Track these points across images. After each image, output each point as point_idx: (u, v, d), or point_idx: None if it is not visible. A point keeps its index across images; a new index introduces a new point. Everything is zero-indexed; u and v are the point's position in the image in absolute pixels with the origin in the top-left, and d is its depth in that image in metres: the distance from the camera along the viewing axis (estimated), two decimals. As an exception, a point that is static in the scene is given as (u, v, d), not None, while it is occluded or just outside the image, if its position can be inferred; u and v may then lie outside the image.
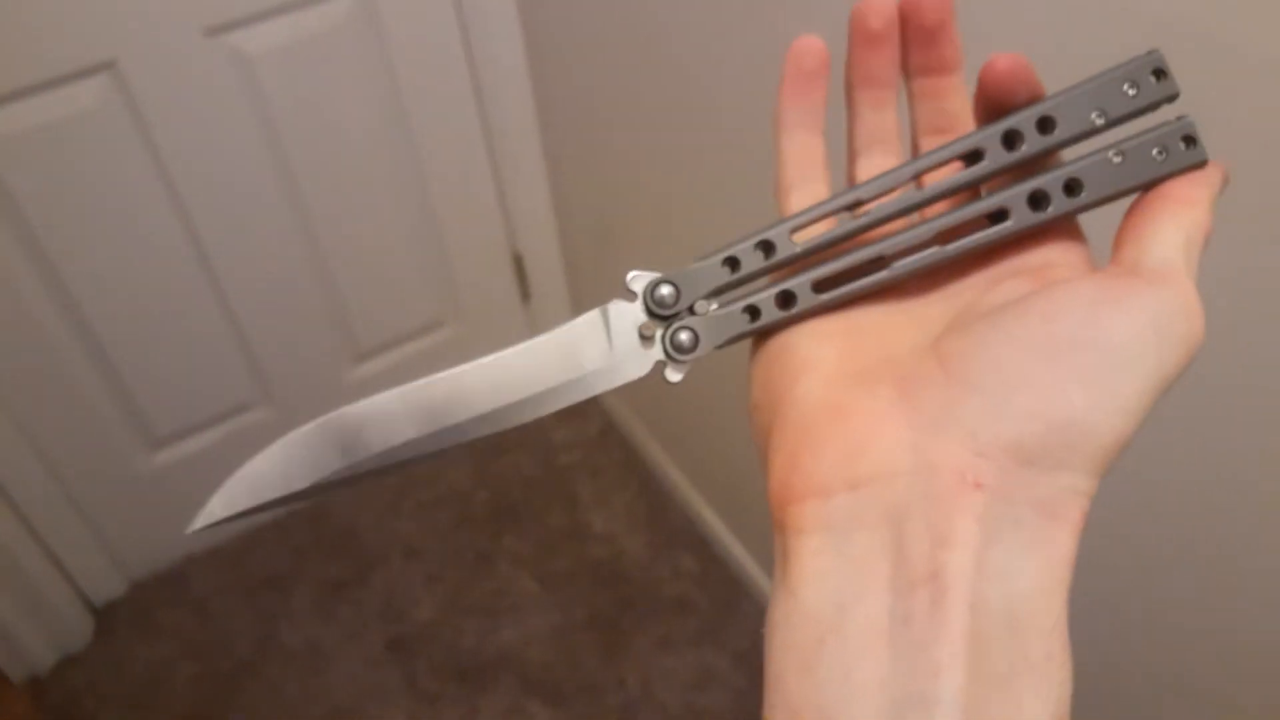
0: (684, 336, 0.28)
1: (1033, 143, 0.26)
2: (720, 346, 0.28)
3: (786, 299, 0.27)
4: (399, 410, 0.27)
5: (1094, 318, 0.23)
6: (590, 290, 1.56)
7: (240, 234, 1.30)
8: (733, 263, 0.28)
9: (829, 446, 0.24)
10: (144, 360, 1.33)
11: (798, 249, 0.27)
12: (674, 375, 0.28)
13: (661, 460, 1.55)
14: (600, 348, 0.28)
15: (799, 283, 0.27)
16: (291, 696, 1.38)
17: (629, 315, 0.28)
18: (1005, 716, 0.20)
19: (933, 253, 0.26)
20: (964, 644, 0.20)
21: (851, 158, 0.30)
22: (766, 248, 0.27)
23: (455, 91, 1.34)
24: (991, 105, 0.27)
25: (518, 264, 1.56)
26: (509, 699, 1.35)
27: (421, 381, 0.27)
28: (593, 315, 0.28)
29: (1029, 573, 0.21)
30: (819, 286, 0.27)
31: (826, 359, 0.26)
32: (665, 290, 0.28)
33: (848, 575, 0.22)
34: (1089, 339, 0.22)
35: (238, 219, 1.29)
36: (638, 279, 0.28)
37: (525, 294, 1.59)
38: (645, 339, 0.28)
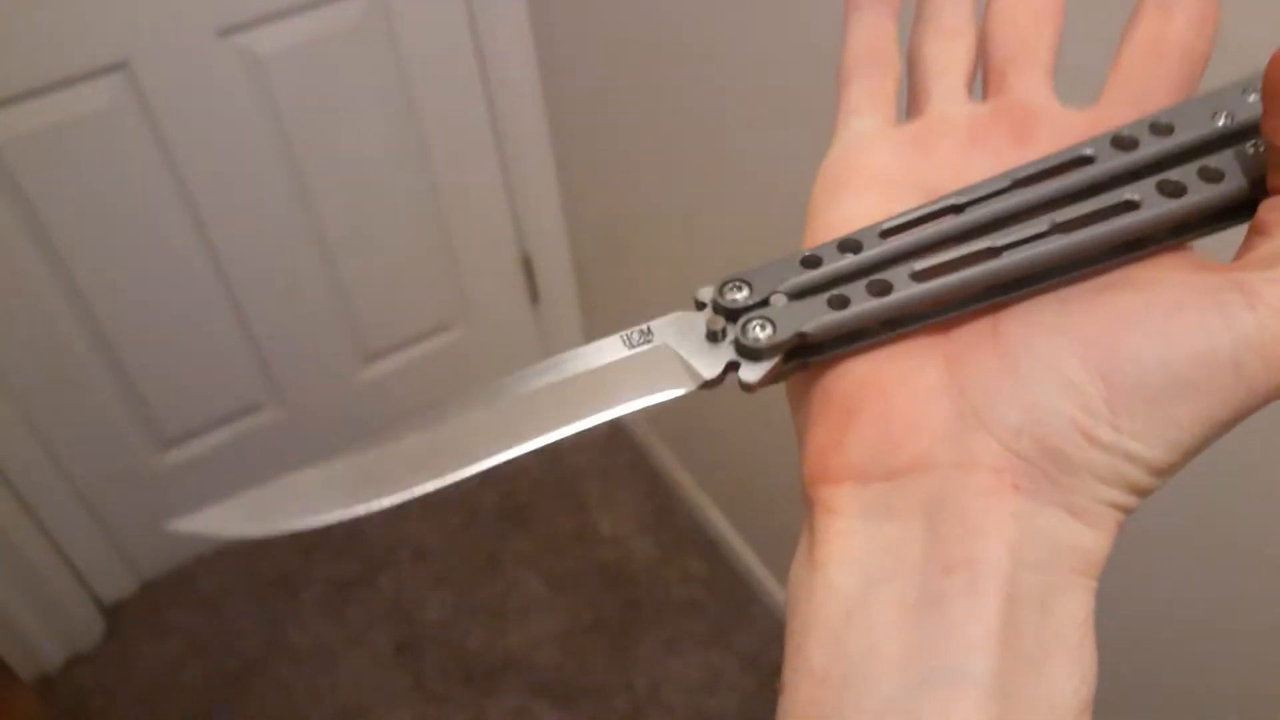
0: (757, 327, 0.24)
1: (1148, 146, 0.23)
2: (801, 348, 0.24)
3: (881, 287, 0.23)
4: (460, 433, 0.26)
5: (1160, 328, 0.21)
6: (600, 293, 1.56)
7: (251, 234, 1.30)
8: (810, 261, 0.24)
9: (870, 429, 0.23)
10: (155, 360, 1.34)
11: (888, 248, 0.24)
12: (750, 374, 0.25)
13: (670, 462, 1.55)
14: (665, 356, 0.26)
15: (895, 272, 0.23)
16: (299, 697, 1.39)
17: (696, 321, 0.26)
18: (1035, 693, 0.20)
19: (1054, 240, 0.22)
20: (997, 626, 0.20)
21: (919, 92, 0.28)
22: (848, 246, 0.24)
23: (466, 93, 1.34)
24: None
25: (527, 266, 1.56)
26: (517, 700, 1.35)
27: (475, 405, 0.25)
28: (659, 322, 0.26)
29: (1063, 568, 0.21)
30: (919, 278, 0.23)
31: None
32: (737, 290, 0.25)
33: (878, 559, 0.22)
34: (1134, 356, 0.21)
35: (248, 219, 1.29)
36: (706, 290, 0.26)
37: (534, 296, 1.59)
38: (712, 336, 0.25)
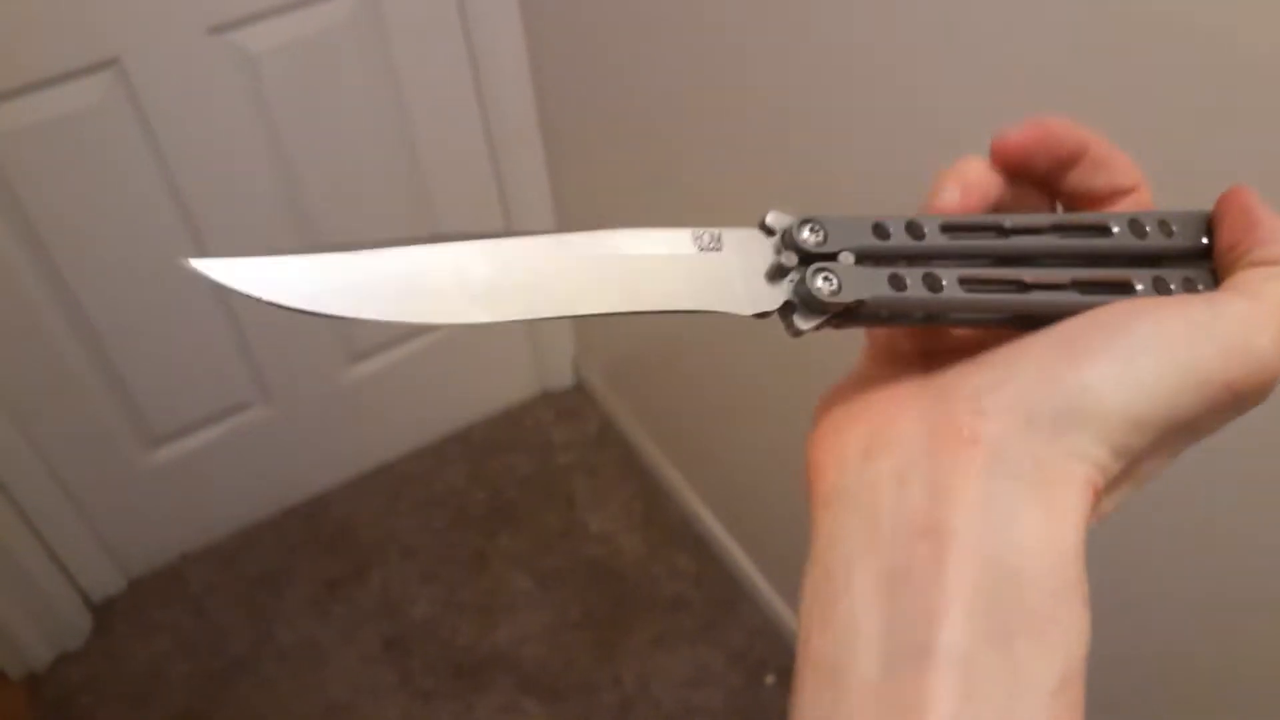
0: (824, 280, 0.25)
1: (1153, 238, 0.27)
2: (853, 311, 0.25)
3: (933, 282, 0.25)
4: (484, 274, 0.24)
5: (1131, 315, 0.23)
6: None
7: (241, 232, 1.30)
8: (879, 231, 0.26)
9: (853, 424, 0.25)
10: (143, 358, 1.34)
11: (946, 243, 0.26)
12: (805, 323, 0.25)
13: (659, 460, 1.55)
14: (730, 270, 0.25)
15: (946, 271, 0.26)
16: (287, 694, 1.39)
17: (764, 246, 0.26)
18: (1002, 674, 0.20)
19: (1068, 297, 0.26)
20: (964, 594, 0.21)
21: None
22: (914, 230, 0.26)
23: (457, 90, 1.35)
24: (1012, 172, 0.28)
25: (516, 264, 1.56)
26: (505, 697, 1.36)
27: (546, 248, 0.24)
28: (730, 234, 0.26)
29: (1028, 526, 0.21)
30: (966, 286, 0.26)
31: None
32: (810, 234, 0.25)
33: (855, 533, 0.23)
34: (1114, 325, 0.23)
35: (238, 217, 1.29)
36: (779, 218, 0.26)
37: (523, 294, 1.60)
38: (777, 273, 0.25)
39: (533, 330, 1.64)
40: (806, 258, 0.25)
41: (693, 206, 1.15)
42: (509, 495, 1.59)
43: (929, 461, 0.23)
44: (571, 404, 1.70)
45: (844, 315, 0.25)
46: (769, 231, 0.26)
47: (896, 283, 0.25)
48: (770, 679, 1.33)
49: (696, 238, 0.26)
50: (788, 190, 0.95)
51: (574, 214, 1.47)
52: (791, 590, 1.33)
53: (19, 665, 1.40)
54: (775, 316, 0.26)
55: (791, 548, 1.26)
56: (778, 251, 0.26)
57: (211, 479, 1.50)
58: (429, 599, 1.47)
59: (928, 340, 0.28)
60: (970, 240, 0.26)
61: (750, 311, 0.25)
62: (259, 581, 1.51)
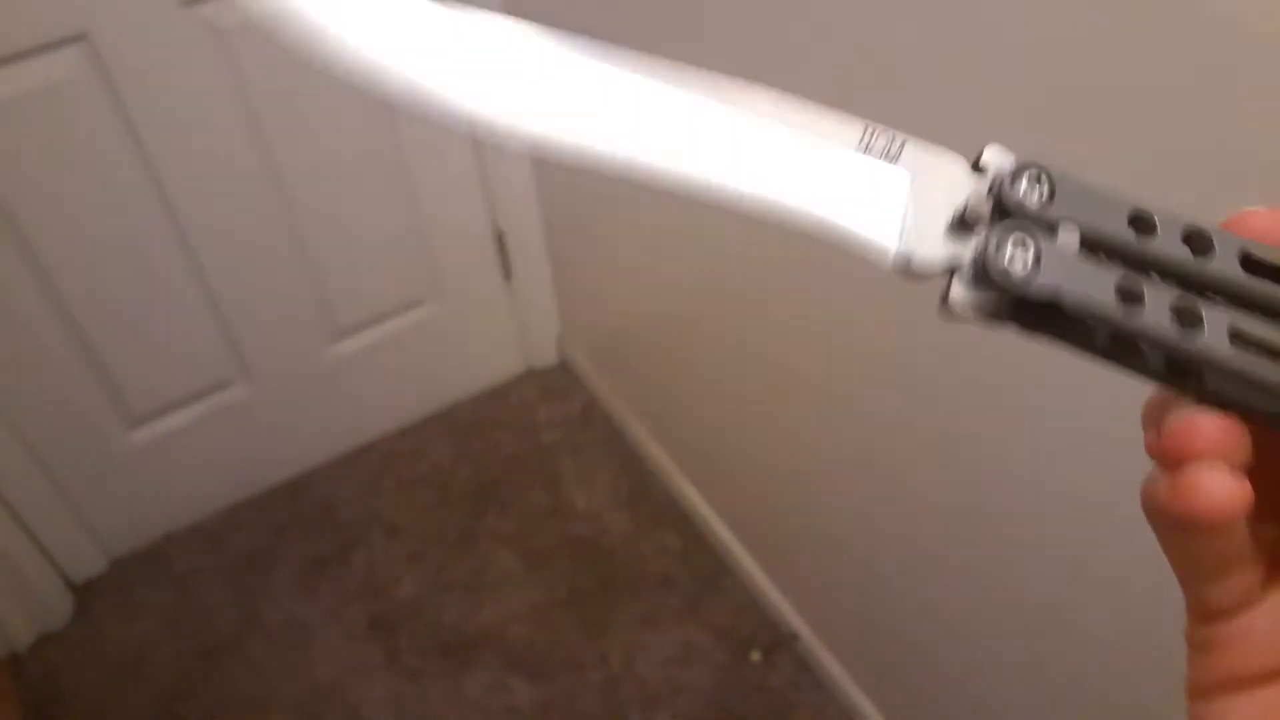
0: (1017, 251, 0.17)
1: None
2: (1045, 313, 0.18)
3: (1188, 317, 0.17)
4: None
5: None
6: (572, 269, 1.55)
7: (218, 209, 1.29)
8: (1140, 223, 0.18)
9: None
10: (121, 337, 1.32)
11: (1231, 274, 0.18)
12: (963, 297, 0.18)
13: (644, 438, 1.55)
14: (894, 193, 0.19)
15: (1214, 314, 0.17)
16: (273, 674, 1.39)
17: (958, 183, 0.19)
18: None
19: None
20: None
21: None
22: (1194, 242, 0.18)
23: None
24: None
25: (499, 242, 1.55)
26: (491, 675, 1.36)
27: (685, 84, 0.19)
28: (917, 149, 0.19)
29: None
30: (1235, 340, 0.17)
31: None
32: (1037, 187, 0.18)
33: None
34: None
35: (215, 194, 1.27)
36: (1000, 155, 0.19)
37: (507, 272, 1.58)
38: (961, 227, 0.18)
39: (516, 309, 1.63)
40: (1007, 215, 0.18)
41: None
42: (494, 474, 1.58)
43: None
44: (556, 382, 1.69)
45: (1030, 314, 0.18)
46: (978, 171, 0.19)
47: (1128, 295, 0.17)
48: (756, 656, 1.34)
49: (867, 135, 0.19)
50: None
51: (556, 191, 1.46)
52: (777, 568, 1.33)
53: (0, 645, 1.39)
54: (933, 278, 0.18)
55: (777, 526, 1.26)
56: (975, 201, 0.19)
57: (192, 458, 1.49)
58: (415, 578, 1.47)
59: None
60: (1267, 285, 0.18)
61: (892, 257, 0.18)
62: (243, 561, 1.51)
